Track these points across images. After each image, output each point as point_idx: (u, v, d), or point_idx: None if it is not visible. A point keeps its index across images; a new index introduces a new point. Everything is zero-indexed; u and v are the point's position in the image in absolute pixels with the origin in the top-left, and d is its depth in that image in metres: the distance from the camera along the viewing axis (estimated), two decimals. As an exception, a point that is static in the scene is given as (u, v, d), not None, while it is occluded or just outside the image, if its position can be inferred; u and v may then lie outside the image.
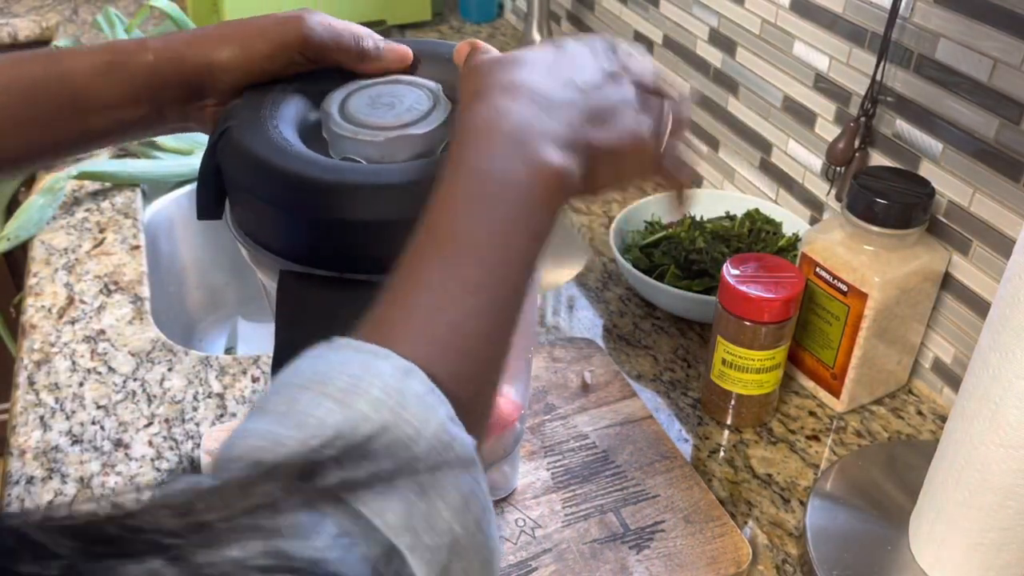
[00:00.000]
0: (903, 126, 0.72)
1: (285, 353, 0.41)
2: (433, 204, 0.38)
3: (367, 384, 0.30)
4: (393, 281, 0.36)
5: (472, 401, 0.34)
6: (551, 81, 0.42)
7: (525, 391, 0.60)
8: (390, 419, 0.30)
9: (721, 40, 0.94)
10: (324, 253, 0.43)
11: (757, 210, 0.89)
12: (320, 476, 0.27)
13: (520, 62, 0.43)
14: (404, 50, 0.52)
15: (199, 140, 1.01)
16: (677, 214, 0.49)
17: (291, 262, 0.44)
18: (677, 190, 0.49)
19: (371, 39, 0.51)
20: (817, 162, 0.84)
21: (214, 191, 0.47)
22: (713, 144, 1.00)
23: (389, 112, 0.46)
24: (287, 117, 0.47)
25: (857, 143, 0.76)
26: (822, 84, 0.80)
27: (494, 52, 0.46)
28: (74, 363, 0.75)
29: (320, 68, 0.51)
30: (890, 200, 0.65)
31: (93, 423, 0.69)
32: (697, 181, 1.04)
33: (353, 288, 0.42)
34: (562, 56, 0.44)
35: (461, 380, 0.34)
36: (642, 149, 0.44)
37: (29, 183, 0.99)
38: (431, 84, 0.49)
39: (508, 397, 0.58)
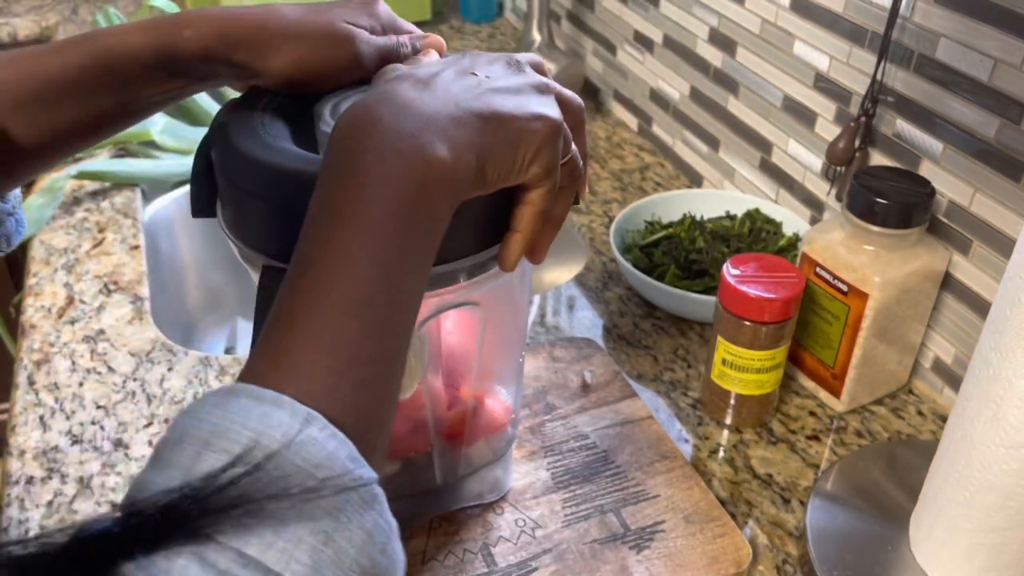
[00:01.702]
0: (903, 126, 0.72)
1: None
2: (306, 222, 0.36)
3: (267, 440, 0.30)
4: (277, 310, 0.35)
5: (371, 427, 0.34)
6: (442, 77, 0.41)
7: (517, 394, 0.60)
8: (291, 468, 0.30)
9: (721, 40, 0.94)
10: None
11: (757, 210, 0.89)
12: (210, 525, 0.29)
13: (413, 78, 0.41)
14: (436, 40, 0.52)
15: (199, 140, 1.01)
16: (505, 255, 0.47)
17: (277, 260, 0.44)
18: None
19: (408, 44, 0.51)
20: (817, 162, 0.84)
21: (207, 188, 0.48)
22: (713, 144, 1.00)
23: None
24: (281, 118, 0.48)
25: (857, 143, 0.76)
26: (822, 84, 0.80)
27: (404, 69, 0.45)
28: (74, 363, 0.75)
29: None
30: (890, 200, 0.65)
31: (93, 423, 0.69)
32: (697, 181, 1.04)
33: None
34: (464, 58, 0.44)
35: (358, 410, 0.34)
36: (539, 131, 0.41)
37: (29, 183, 0.99)
38: None
39: (500, 400, 0.58)
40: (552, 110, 0.42)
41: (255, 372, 0.34)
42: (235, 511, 0.29)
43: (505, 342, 0.57)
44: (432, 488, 0.58)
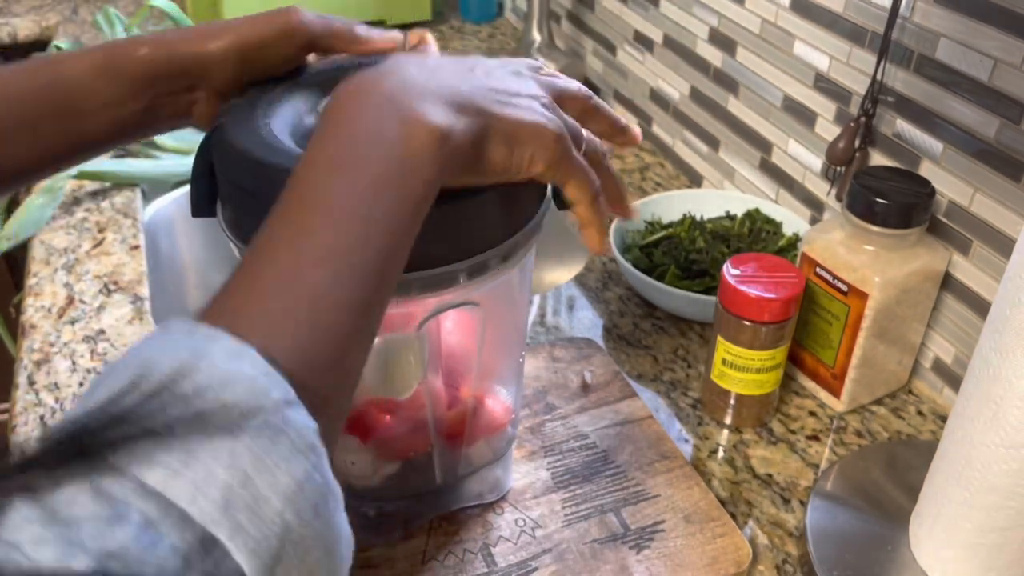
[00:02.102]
0: (903, 126, 0.72)
1: None
2: (293, 174, 0.36)
3: (192, 369, 0.29)
4: (243, 259, 0.34)
5: (325, 379, 0.32)
6: (448, 65, 0.42)
7: (517, 394, 0.60)
8: (212, 403, 0.28)
9: (721, 40, 0.94)
10: None
11: (757, 210, 0.89)
12: (110, 453, 0.26)
13: (419, 59, 0.42)
14: (395, 33, 0.52)
15: (198, 140, 1.01)
16: (592, 245, 0.49)
17: None
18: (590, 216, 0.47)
19: (362, 25, 0.51)
20: (817, 162, 0.84)
21: (207, 188, 0.48)
22: (713, 144, 1.00)
23: None
24: (282, 117, 0.48)
25: (857, 143, 0.76)
26: (822, 84, 0.80)
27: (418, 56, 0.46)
28: (74, 363, 0.75)
29: (319, 71, 0.52)
30: (890, 200, 0.65)
31: (93, 423, 0.69)
32: (697, 181, 1.04)
33: None
34: (468, 59, 0.44)
35: (309, 356, 0.32)
36: (542, 135, 0.42)
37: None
38: None
39: (500, 400, 0.58)
40: (547, 118, 0.42)
41: (205, 311, 0.33)
42: (141, 440, 0.27)
43: (505, 342, 0.57)
44: (432, 488, 0.58)
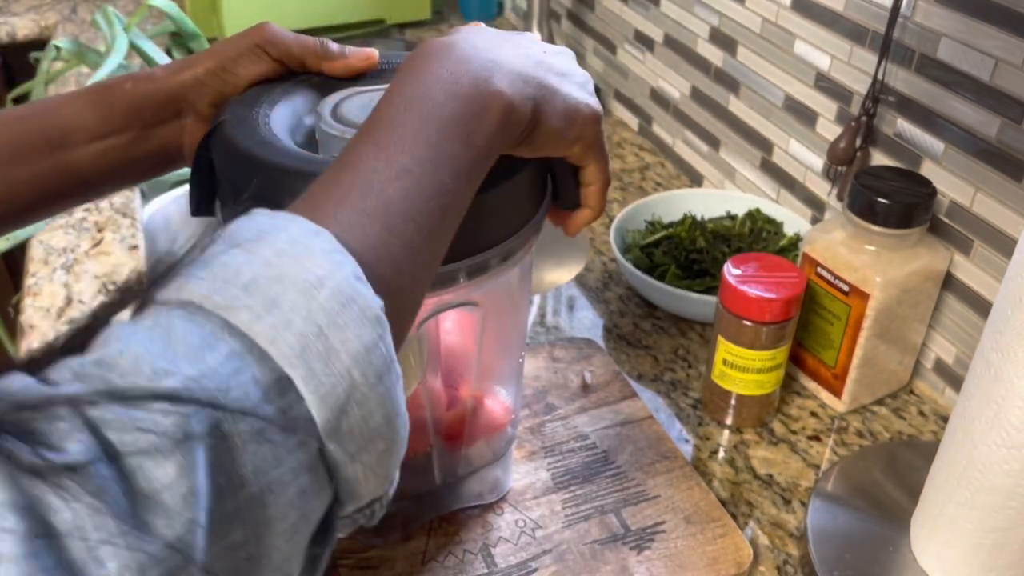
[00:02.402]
0: (904, 125, 0.72)
1: None
2: (379, 103, 0.39)
3: (273, 237, 0.31)
4: (329, 166, 0.37)
5: (390, 277, 0.35)
6: (511, 38, 0.45)
7: (516, 395, 0.59)
8: (292, 266, 0.30)
9: (722, 39, 0.94)
10: None
11: (758, 210, 0.89)
12: (202, 289, 0.29)
13: (486, 32, 0.46)
14: (370, 52, 0.54)
15: (198, 139, 1.01)
16: (576, 228, 0.52)
17: None
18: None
19: (333, 43, 0.53)
20: (818, 161, 0.83)
21: (207, 187, 0.47)
22: (714, 143, 0.99)
23: None
24: (281, 117, 0.47)
25: (858, 142, 0.75)
26: (823, 83, 0.80)
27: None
28: (73, 363, 0.75)
29: (319, 76, 0.52)
30: (891, 200, 0.65)
31: (92, 423, 0.69)
32: (698, 180, 1.04)
33: None
34: (523, 35, 0.47)
35: (379, 253, 0.34)
36: (590, 117, 0.46)
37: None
38: None
39: (499, 400, 0.58)
40: (594, 100, 0.46)
41: (288, 206, 0.35)
42: (225, 286, 0.29)
43: (505, 342, 0.56)
44: (432, 489, 0.58)
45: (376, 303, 0.32)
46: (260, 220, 0.33)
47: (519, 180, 0.45)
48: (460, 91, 0.39)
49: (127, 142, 0.50)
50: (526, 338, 0.62)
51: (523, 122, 0.42)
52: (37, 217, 0.51)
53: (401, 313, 0.36)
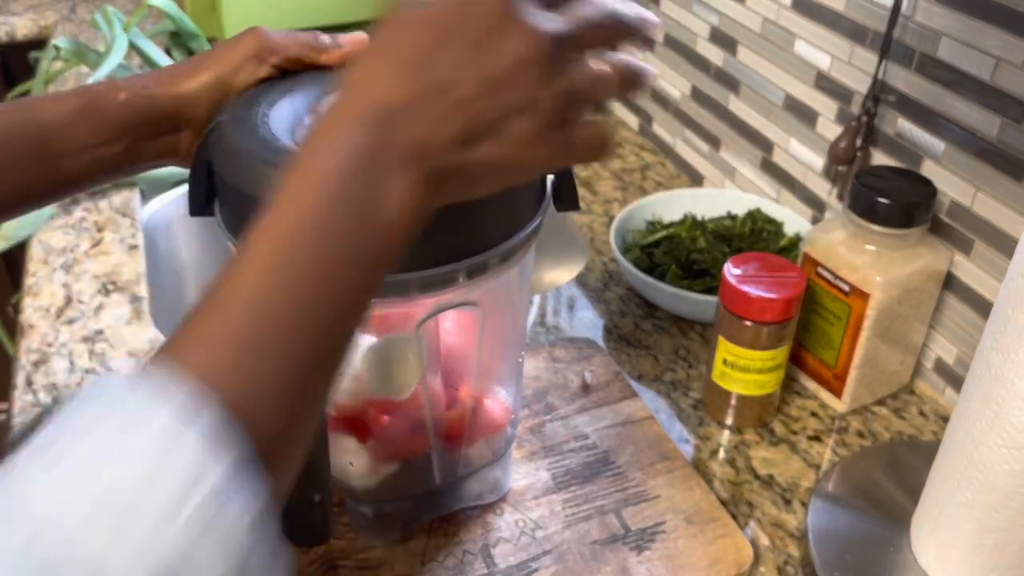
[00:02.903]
0: (905, 125, 0.72)
1: None
2: (262, 212, 0.34)
3: (134, 437, 0.27)
4: (206, 292, 0.32)
5: (273, 422, 0.31)
6: (450, 52, 0.35)
7: (516, 395, 0.59)
8: (148, 483, 0.27)
9: (722, 39, 0.94)
10: None
11: (759, 209, 0.89)
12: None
13: (407, 30, 0.35)
14: (362, 35, 0.52)
15: (198, 139, 1.01)
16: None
17: None
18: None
19: (324, 35, 0.52)
20: (819, 161, 0.83)
21: (205, 187, 0.47)
22: (714, 143, 0.99)
23: None
24: (280, 116, 0.47)
25: (859, 142, 0.75)
26: (824, 83, 0.80)
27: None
28: (72, 363, 0.75)
29: (319, 73, 0.51)
30: (892, 199, 0.65)
31: (91, 423, 0.69)
32: (698, 180, 1.04)
33: None
34: (466, 20, 0.35)
35: (257, 400, 0.30)
36: (520, 164, 0.37)
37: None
38: None
39: (499, 401, 0.58)
40: (547, 126, 0.36)
41: (160, 349, 0.31)
42: (76, 500, 0.26)
43: (504, 342, 0.56)
44: (431, 489, 0.58)
45: (255, 499, 0.28)
46: (121, 400, 0.28)
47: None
48: (352, 202, 0.33)
49: (121, 152, 0.49)
50: (526, 338, 0.62)
51: (423, 214, 0.35)
52: (23, 211, 0.50)
53: (287, 451, 0.32)
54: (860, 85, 0.76)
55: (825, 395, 0.73)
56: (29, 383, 0.73)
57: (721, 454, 0.69)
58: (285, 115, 0.48)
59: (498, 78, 0.35)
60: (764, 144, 0.91)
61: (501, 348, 0.56)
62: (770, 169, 0.91)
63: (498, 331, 0.54)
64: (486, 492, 0.61)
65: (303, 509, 0.46)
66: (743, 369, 0.67)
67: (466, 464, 0.58)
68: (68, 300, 0.82)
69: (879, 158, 0.75)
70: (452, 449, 0.56)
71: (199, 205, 0.48)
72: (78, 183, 0.50)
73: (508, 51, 0.35)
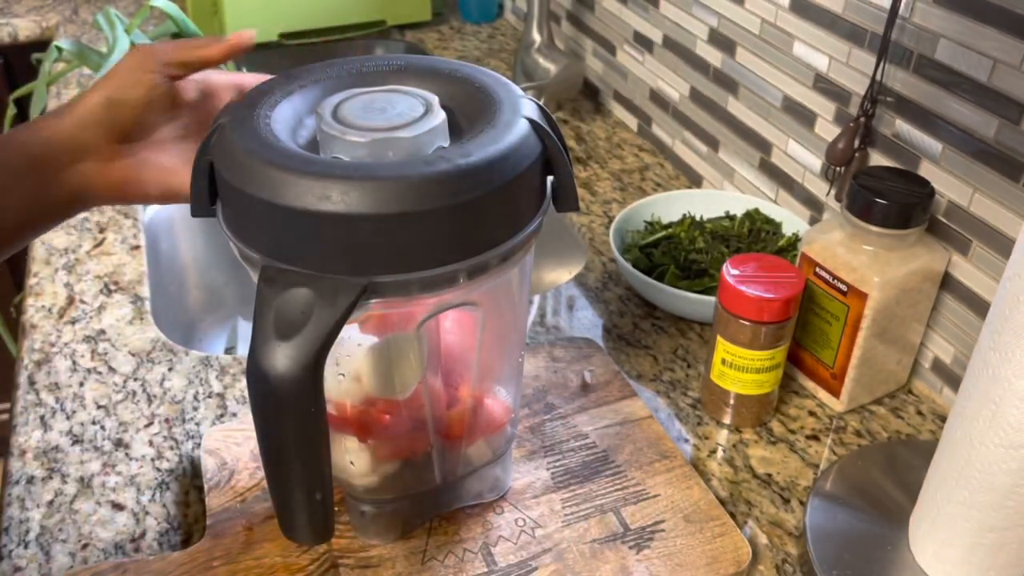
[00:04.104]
0: (903, 126, 0.72)
1: (261, 350, 0.41)
2: None
3: None
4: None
5: None
6: None
7: (516, 394, 0.60)
8: None
9: (721, 40, 0.94)
10: (303, 249, 0.43)
11: (757, 210, 0.89)
12: None
13: None
14: (249, 31, 0.54)
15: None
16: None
17: (277, 260, 0.44)
18: None
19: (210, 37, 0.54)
20: (817, 162, 0.84)
21: (207, 187, 0.48)
22: (713, 144, 1.00)
23: (380, 116, 0.47)
24: (282, 118, 0.48)
25: (857, 143, 0.76)
26: (822, 84, 0.81)
27: None
28: (74, 363, 0.75)
29: (319, 70, 0.52)
30: (890, 200, 0.65)
31: (93, 423, 0.69)
32: (697, 181, 1.04)
33: (331, 287, 0.42)
34: None
35: None
36: None
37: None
38: (426, 94, 0.49)
39: (499, 400, 0.58)
40: None
41: None
42: None
43: (504, 342, 0.57)
44: (431, 488, 0.58)
45: None
46: None
47: (519, 181, 0.46)
48: None
49: (28, 195, 0.49)
50: (526, 338, 0.62)
51: None
52: None
53: None
54: (858, 86, 0.76)
55: (823, 395, 0.73)
56: (31, 383, 0.73)
57: (720, 453, 0.69)
58: (286, 116, 0.48)
59: None
60: (763, 145, 0.91)
61: (501, 347, 0.57)
62: (768, 170, 0.91)
63: (498, 330, 0.54)
64: (486, 491, 0.61)
65: (304, 507, 0.46)
66: (741, 369, 0.67)
67: (466, 463, 0.58)
68: (70, 300, 0.83)
69: (877, 159, 0.76)
70: (452, 448, 0.57)
71: (201, 205, 0.49)
72: None
73: None
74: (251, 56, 1.25)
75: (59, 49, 1.05)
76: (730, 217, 0.90)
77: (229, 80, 0.57)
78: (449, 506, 0.60)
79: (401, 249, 0.43)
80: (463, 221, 0.43)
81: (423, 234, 0.42)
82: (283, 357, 0.41)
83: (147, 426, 0.69)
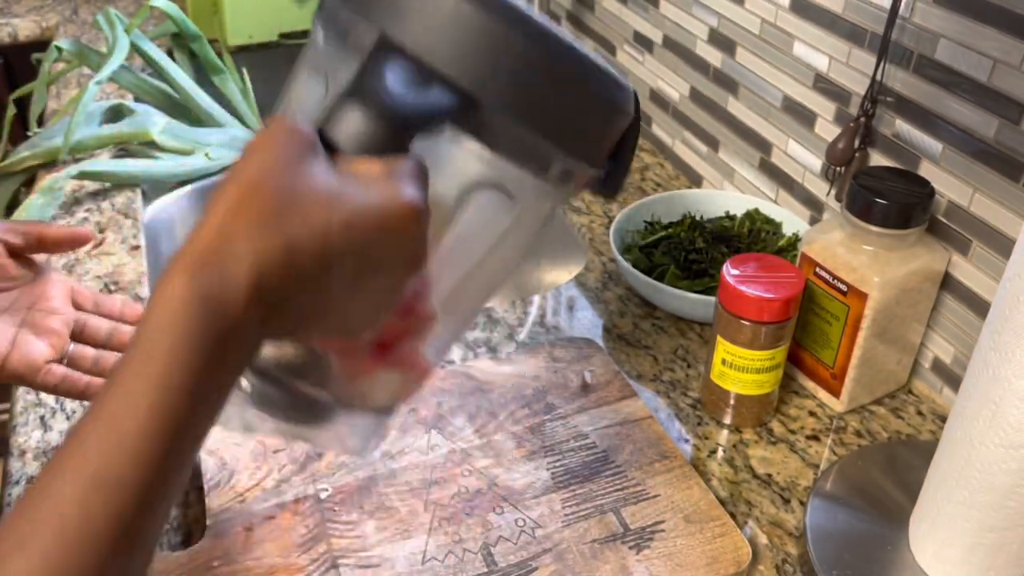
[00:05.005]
0: (903, 126, 0.72)
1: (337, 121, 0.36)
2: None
3: None
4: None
5: None
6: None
7: (444, 351, 0.51)
8: None
9: (721, 40, 0.94)
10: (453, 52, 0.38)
11: (757, 210, 0.89)
12: None
13: None
14: (86, 232, 0.58)
15: (199, 140, 1.01)
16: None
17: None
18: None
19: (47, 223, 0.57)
20: (817, 162, 0.84)
21: None
22: (713, 144, 1.00)
23: None
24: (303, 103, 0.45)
25: (857, 143, 0.76)
26: (822, 84, 0.81)
27: None
28: (74, 363, 0.75)
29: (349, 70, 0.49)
30: (890, 200, 0.65)
31: (93, 423, 0.69)
32: (697, 181, 1.04)
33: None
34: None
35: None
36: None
37: (29, 183, 0.99)
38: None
39: (432, 346, 0.48)
40: None
41: None
42: None
43: (489, 272, 0.47)
44: (315, 396, 0.47)
45: None
46: None
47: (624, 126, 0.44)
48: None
49: None
50: (498, 290, 0.51)
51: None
52: None
53: None
54: (858, 86, 0.76)
55: (823, 395, 0.73)
56: (31, 383, 0.73)
57: (720, 453, 0.69)
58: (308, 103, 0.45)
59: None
60: (763, 145, 0.91)
61: (479, 275, 0.47)
62: (768, 170, 0.91)
63: (496, 251, 0.46)
64: (336, 443, 0.49)
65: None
66: (742, 369, 0.67)
67: (362, 395, 0.48)
68: (70, 300, 0.83)
69: (877, 159, 0.76)
70: (371, 362, 0.45)
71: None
72: None
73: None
74: (251, 56, 1.25)
75: (59, 49, 1.05)
76: (730, 217, 0.90)
77: (60, 277, 0.59)
78: (309, 430, 0.49)
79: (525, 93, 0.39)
80: (585, 116, 0.41)
81: (552, 96, 0.40)
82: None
83: (147, 426, 0.69)
